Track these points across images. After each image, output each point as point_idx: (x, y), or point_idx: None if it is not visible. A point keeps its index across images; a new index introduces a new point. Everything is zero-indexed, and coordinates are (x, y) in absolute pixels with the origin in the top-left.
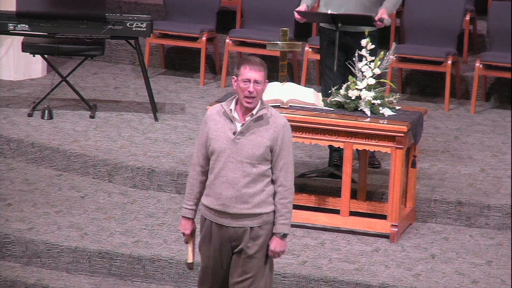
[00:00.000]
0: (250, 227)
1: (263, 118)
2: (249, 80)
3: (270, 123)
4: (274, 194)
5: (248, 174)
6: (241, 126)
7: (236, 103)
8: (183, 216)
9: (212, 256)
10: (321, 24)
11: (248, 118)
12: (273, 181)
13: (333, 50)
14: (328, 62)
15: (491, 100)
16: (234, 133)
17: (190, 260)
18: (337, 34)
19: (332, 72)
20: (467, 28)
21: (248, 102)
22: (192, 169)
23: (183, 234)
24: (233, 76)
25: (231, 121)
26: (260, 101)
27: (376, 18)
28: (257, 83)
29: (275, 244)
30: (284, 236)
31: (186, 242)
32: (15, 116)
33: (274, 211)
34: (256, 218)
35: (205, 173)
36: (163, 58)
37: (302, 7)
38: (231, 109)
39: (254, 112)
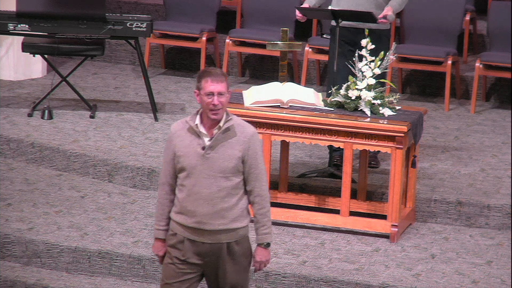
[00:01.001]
0: (227, 243)
1: (231, 129)
2: (212, 93)
3: (238, 134)
4: (252, 205)
5: (223, 188)
6: (210, 140)
7: (201, 117)
8: (156, 238)
9: (177, 272)
10: (333, 23)
11: (215, 131)
12: (246, 192)
13: (344, 49)
14: (339, 61)
15: (491, 100)
16: (203, 148)
17: None
18: (337, 30)
19: (338, 72)
20: (467, 28)
21: (214, 114)
22: (160, 189)
23: (157, 255)
24: (195, 90)
25: (198, 136)
26: (225, 112)
27: (381, 16)
28: (221, 94)
29: (260, 255)
30: (267, 245)
31: (162, 263)
32: (15, 116)
33: (248, 224)
34: (233, 233)
35: (174, 191)
36: (163, 58)
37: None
38: (196, 124)
39: (221, 124)
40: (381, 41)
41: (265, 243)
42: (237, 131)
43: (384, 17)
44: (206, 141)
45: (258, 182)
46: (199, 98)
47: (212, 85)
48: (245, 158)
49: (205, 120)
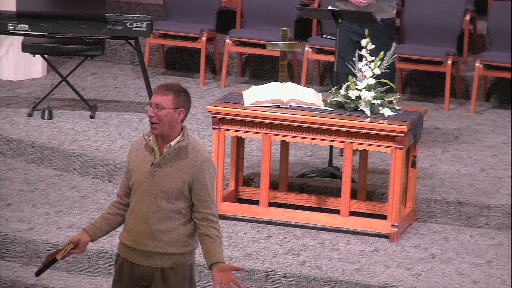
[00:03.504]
0: (161, 268)
1: (183, 150)
2: (150, 104)
3: (189, 157)
4: (206, 232)
5: (162, 209)
6: (159, 157)
7: None
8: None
9: None
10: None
11: (165, 150)
12: (192, 220)
13: (353, 47)
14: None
15: (491, 100)
16: (151, 165)
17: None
18: (337, 30)
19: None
20: (467, 28)
21: (152, 127)
22: (110, 203)
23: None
24: None
25: (151, 152)
26: (182, 132)
27: None
28: (159, 107)
29: (220, 277)
30: (219, 264)
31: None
32: (15, 116)
33: (191, 253)
34: (168, 258)
35: (119, 205)
36: (163, 58)
37: None
38: (150, 139)
39: (172, 143)
40: (385, 30)
41: (215, 262)
42: (190, 154)
43: None
44: (157, 158)
45: (209, 209)
46: None
47: (154, 96)
48: (194, 185)
49: (158, 137)
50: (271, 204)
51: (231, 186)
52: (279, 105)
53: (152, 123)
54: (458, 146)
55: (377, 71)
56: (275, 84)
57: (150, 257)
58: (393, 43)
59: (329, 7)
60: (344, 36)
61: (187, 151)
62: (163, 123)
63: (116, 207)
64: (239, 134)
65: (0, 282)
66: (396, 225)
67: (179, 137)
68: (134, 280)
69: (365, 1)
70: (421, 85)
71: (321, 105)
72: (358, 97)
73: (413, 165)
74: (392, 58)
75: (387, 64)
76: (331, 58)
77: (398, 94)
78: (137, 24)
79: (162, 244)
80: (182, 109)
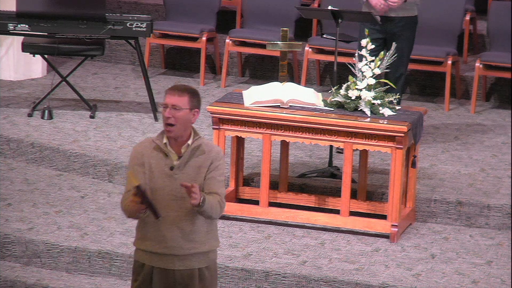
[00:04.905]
0: (198, 269)
1: (199, 148)
2: (166, 105)
3: (206, 153)
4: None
5: (190, 210)
6: (178, 159)
7: (168, 137)
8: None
9: None
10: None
11: (183, 150)
12: None
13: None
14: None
15: (491, 100)
16: (171, 168)
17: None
18: (337, 30)
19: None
20: (467, 28)
21: (167, 131)
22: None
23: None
24: None
25: (166, 155)
26: (193, 132)
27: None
28: (175, 108)
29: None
30: (203, 200)
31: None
32: (15, 116)
33: (217, 248)
34: (204, 257)
35: None
36: (163, 58)
37: None
38: (165, 143)
39: (189, 142)
40: (410, 28)
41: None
42: (206, 150)
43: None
44: (174, 161)
45: (220, 189)
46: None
47: (168, 97)
48: (207, 173)
49: (171, 139)
50: (271, 204)
51: (231, 186)
52: (279, 105)
53: (167, 125)
54: (458, 146)
55: (377, 71)
56: (275, 84)
57: (187, 260)
58: (393, 43)
59: (329, 7)
60: (364, 32)
61: (202, 148)
62: (179, 124)
63: None
64: (239, 134)
65: (0, 282)
66: (396, 225)
67: (192, 135)
68: (169, 287)
69: (395, 2)
70: (421, 85)
71: (321, 105)
72: (358, 97)
73: (413, 165)
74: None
75: (387, 64)
76: (331, 58)
77: (398, 94)
78: (137, 24)
79: (198, 244)
80: (196, 109)
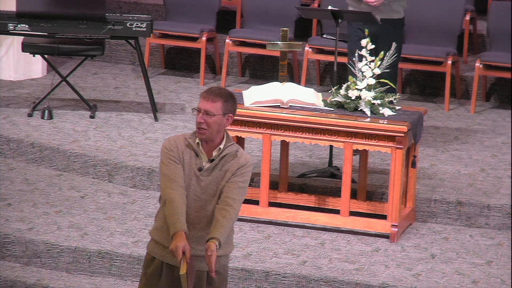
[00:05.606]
0: (207, 271)
1: (230, 155)
2: (199, 110)
3: (236, 159)
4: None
5: (210, 213)
6: (208, 162)
7: None
8: (175, 233)
9: None
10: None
11: (214, 154)
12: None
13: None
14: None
15: (491, 100)
16: (199, 169)
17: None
18: (337, 30)
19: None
20: (467, 28)
21: (199, 133)
22: (173, 193)
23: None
24: None
25: (196, 155)
26: (226, 137)
27: None
28: (208, 114)
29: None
30: (217, 242)
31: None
32: (15, 116)
33: (230, 253)
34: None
35: (183, 190)
36: (163, 58)
37: None
38: (198, 143)
39: (221, 146)
40: (395, 30)
41: (216, 240)
42: (236, 156)
43: None
44: (204, 162)
45: (238, 196)
46: None
47: (202, 102)
48: (231, 177)
49: (203, 141)
50: (271, 204)
51: None
52: (279, 105)
53: (200, 128)
54: (458, 146)
55: (377, 71)
56: (275, 84)
57: (197, 261)
58: (393, 43)
59: (329, 7)
60: (354, 32)
61: (233, 154)
62: (211, 129)
63: (183, 194)
64: (239, 134)
65: (0, 282)
66: (396, 225)
67: (225, 141)
68: (176, 284)
69: (375, 1)
70: (421, 85)
71: (321, 105)
72: (358, 97)
73: (413, 165)
74: (392, 58)
75: (387, 64)
76: (331, 58)
77: (398, 94)
78: (137, 24)
79: None
80: (230, 114)
